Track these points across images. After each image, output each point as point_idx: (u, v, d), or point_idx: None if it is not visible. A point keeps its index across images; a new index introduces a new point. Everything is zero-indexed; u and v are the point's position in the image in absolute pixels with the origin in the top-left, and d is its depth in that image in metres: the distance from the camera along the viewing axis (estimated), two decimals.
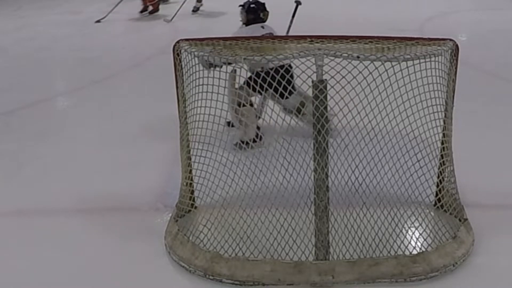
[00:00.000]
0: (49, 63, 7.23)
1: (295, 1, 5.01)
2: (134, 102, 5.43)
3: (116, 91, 5.91)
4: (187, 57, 2.95)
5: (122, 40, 8.31)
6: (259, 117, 4.01)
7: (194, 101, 3.03)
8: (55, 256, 2.98)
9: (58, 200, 3.58)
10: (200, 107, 3.02)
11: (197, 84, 3.02)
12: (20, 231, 3.26)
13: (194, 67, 2.97)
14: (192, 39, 3.02)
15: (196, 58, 2.89)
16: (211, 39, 3.10)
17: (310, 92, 2.65)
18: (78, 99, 5.78)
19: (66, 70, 7.00)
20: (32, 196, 3.65)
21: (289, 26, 4.86)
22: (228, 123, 4.01)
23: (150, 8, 9.48)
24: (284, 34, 4.62)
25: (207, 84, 3.01)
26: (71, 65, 7.14)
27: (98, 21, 8.98)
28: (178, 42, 2.98)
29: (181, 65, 3.00)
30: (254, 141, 3.77)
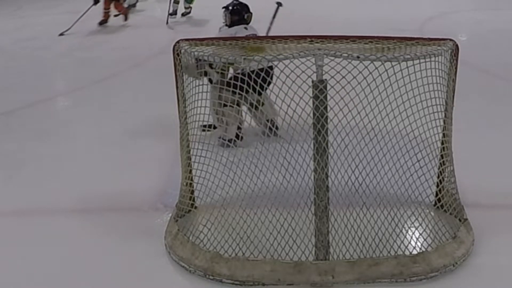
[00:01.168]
0: (49, 63, 7.24)
1: (276, 2, 5.00)
2: (134, 102, 5.44)
3: (116, 91, 5.91)
4: (187, 57, 2.95)
5: (122, 40, 8.31)
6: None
7: (194, 101, 3.03)
8: (55, 256, 2.98)
9: (58, 200, 3.58)
10: (200, 107, 3.02)
11: (197, 84, 3.02)
12: (20, 231, 3.26)
13: None
14: (192, 39, 3.03)
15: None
16: (211, 39, 3.10)
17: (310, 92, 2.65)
18: (78, 99, 5.79)
19: (66, 70, 7.01)
20: (32, 196, 3.65)
21: (269, 28, 4.83)
22: (204, 127, 3.78)
23: (122, 18, 9.10)
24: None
25: (207, 84, 3.01)
26: (71, 65, 7.14)
27: (61, 34, 8.45)
28: (178, 42, 2.98)
29: (181, 65, 3.00)
30: (234, 141, 3.76)
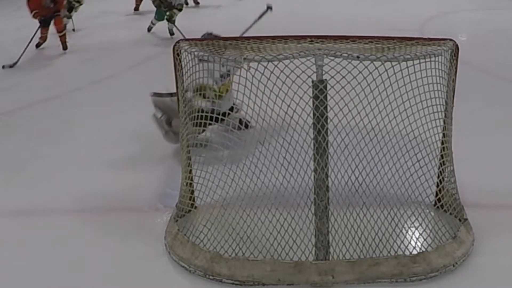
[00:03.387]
0: (49, 63, 7.24)
1: (267, 6, 4.88)
2: (134, 102, 5.41)
3: (116, 91, 5.90)
4: (187, 57, 2.95)
5: (122, 40, 8.31)
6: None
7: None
8: (55, 256, 2.98)
9: (58, 200, 3.58)
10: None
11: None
12: (20, 231, 3.26)
13: (194, 67, 2.97)
14: (192, 39, 3.03)
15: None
16: (211, 39, 3.10)
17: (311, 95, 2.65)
18: (78, 99, 5.78)
19: (66, 70, 7.00)
20: (32, 196, 3.64)
21: (249, 27, 4.74)
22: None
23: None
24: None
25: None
26: (71, 65, 7.14)
27: (10, 66, 7.12)
28: (178, 42, 2.99)
29: (181, 65, 3.00)
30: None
